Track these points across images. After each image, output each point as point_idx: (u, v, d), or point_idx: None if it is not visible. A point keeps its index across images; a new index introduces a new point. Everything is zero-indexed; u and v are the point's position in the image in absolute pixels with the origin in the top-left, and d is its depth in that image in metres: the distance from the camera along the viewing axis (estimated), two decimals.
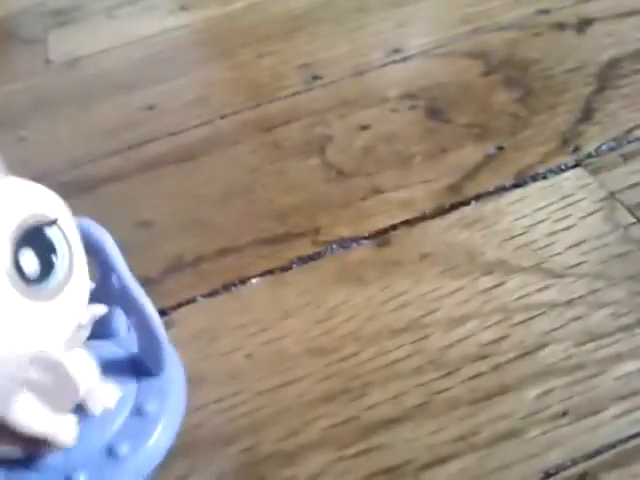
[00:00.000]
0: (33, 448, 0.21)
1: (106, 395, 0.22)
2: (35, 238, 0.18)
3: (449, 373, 0.24)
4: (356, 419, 0.23)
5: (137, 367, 0.24)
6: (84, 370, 0.22)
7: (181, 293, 0.29)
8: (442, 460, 0.22)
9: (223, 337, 0.27)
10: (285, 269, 0.29)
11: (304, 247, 0.29)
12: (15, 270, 0.17)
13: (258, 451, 0.23)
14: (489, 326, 0.25)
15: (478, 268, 0.27)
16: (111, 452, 0.21)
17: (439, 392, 0.23)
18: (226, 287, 0.29)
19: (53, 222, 0.18)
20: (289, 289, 0.28)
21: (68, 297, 0.19)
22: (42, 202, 0.18)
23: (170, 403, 0.23)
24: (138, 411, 0.22)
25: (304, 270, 0.29)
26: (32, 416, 0.20)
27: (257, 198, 0.32)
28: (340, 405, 0.24)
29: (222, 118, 0.37)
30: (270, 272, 0.29)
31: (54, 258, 0.18)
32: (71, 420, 0.21)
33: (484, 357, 0.24)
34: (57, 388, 0.20)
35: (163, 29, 0.46)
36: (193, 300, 0.29)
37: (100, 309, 0.22)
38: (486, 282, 0.26)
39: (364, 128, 0.34)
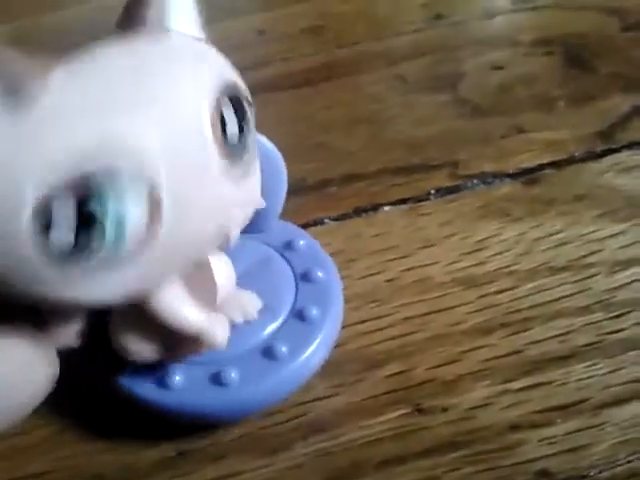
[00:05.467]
0: (178, 349, 0.19)
1: (247, 303, 0.20)
2: (233, 101, 0.15)
3: (620, 315, 0.22)
4: (520, 353, 0.21)
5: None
6: (223, 274, 0.20)
7: (307, 214, 0.27)
8: (622, 400, 0.20)
9: (359, 260, 0.25)
10: (422, 199, 0.27)
11: (441, 179, 0.28)
12: (219, 124, 0.15)
13: (411, 376, 0.21)
14: None
15: None
16: (268, 352, 0.19)
17: (611, 333, 0.22)
18: (357, 212, 0.27)
19: (247, 98, 0.16)
20: (428, 219, 0.26)
21: (253, 178, 0.17)
22: (237, 76, 0.16)
23: (332, 310, 0.21)
24: (299, 315, 0.20)
25: (443, 202, 0.27)
26: (187, 307, 0.18)
27: (385, 128, 0.30)
28: (500, 338, 0.22)
29: (339, 48, 0.35)
30: (404, 201, 0.27)
31: (247, 130, 0.16)
32: (224, 319, 0.19)
33: None
34: (200, 286, 0.18)
35: None
36: (321, 222, 0.27)
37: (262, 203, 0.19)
38: None
39: (498, 68, 0.32)
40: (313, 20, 0.38)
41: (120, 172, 0.13)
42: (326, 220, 0.27)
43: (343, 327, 0.22)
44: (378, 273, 0.24)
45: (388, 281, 0.24)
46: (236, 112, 0.15)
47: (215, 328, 0.18)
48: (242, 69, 0.35)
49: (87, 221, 0.13)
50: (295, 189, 0.28)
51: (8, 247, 0.13)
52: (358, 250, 0.25)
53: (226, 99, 0.15)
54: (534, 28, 0.35)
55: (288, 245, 0.23)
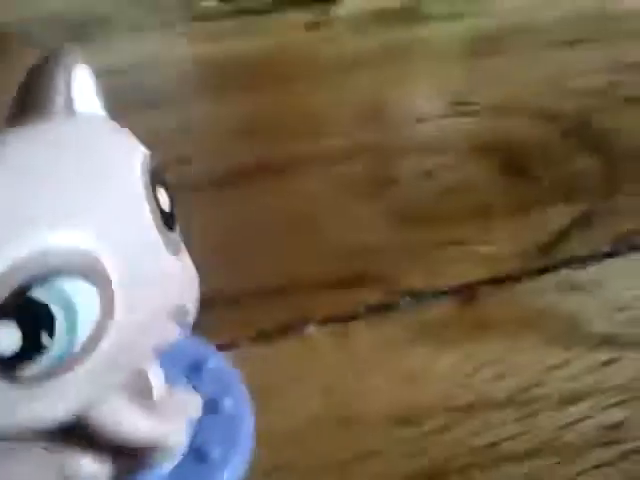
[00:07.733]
0: (131, 462, 0.16)
1: (186, 404, 0.18)
2: (157, 174, 0.15)
3: (570, 460, 0.19)
4: None
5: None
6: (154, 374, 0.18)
7: (221, 333, 0.24)
8: None
9: (278, 393, 0.22)
10: (351, 319, 0.24)
11: (373, 296, 0.25)
12: (157, 207, 0.14)
13: None
14: (608, 407, 0.21)
15: (585, 339, 0.23)
16: None
17: None
18: (280, 332, 0.24)
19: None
20: (357, 343, 0.24)
21: (187, 262, 0.16)
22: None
23: (238, 450, 0.19)
24: (198, 453, 0.18)
25: (374, 322, 0.24)
26: (134, 414, 0.15)
27: (313, 236, 0.28)
28: None
29: (270, 147, 0.33)
30: (330, 320, 0.24)
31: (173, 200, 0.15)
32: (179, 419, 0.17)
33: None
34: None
35: (195, 53, 0.43)
36: (236, 345, 0.24)
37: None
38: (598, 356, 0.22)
39: (432, 175, 0.31)
40: (244, 118, 0.36)
41: (65, 262, 0.12)
42: (243, 342, 0.24)
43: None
44: (298, 409, 0.21)
45: (310, 418, 0.21)
46: (161, 185, 0.15)
47: (169, 433, 0.16)
48: (164, 166, 0.33)
49: (35, 315, 0.12)
50: (209, 304, 0.25)
51: None
52: (276, 380, 0.22)
53: (153, 173, 0.14)
54: (471, 133, 0.34)
55: (196, 367, 0.21)
